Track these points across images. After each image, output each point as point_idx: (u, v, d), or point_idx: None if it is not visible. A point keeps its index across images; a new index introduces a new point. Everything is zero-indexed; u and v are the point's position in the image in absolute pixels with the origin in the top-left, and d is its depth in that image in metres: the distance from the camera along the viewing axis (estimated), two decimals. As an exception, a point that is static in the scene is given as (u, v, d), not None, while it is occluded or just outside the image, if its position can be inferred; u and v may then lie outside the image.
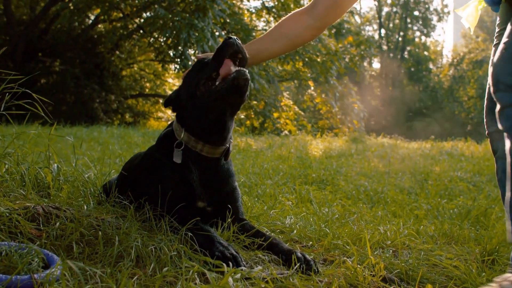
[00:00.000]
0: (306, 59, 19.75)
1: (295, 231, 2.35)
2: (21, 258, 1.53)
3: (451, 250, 2.47)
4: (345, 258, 1.96)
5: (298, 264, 1.81)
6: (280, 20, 2.37)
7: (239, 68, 1.95)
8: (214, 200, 2.12)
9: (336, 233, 2.39)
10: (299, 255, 1.86)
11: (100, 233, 1.70)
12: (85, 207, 1.95)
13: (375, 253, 2.20)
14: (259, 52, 2.32)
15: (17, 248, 1.59)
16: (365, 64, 25.13)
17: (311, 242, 2.27)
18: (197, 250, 1.81)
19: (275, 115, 20.30)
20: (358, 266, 1.82)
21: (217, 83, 1.97)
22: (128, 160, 2.56)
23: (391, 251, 2.29)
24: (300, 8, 2.35)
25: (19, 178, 2.24)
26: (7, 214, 1.71)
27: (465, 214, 3.73)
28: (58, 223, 1.76)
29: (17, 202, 1.90)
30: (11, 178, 2.19)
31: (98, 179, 2.63)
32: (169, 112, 24.79)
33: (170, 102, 2.24)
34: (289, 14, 2.36)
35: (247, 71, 1.95)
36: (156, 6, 16.06)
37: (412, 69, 43.08)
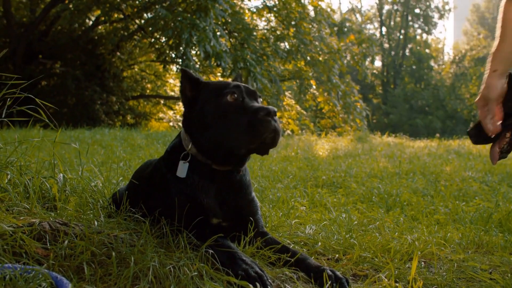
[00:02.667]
0: (308, 58, 19.60)
1: (319, 243, 2.19)
2: (27, 283, 1.38)
3: (483, 260, 2.32)
4: (379, 274, 1.81)
5: (329, 283, 1.65)
6: (501, 14, 2.25)
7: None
8: (229, 214, 1.97)
9: (363, 244, 2.23)
10: (330, 272, 1.71)
11: (113, 252, 1.55)
12: (95, 222, 1.79)
13: (407, 266, 2.05)
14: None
15: (22, 272, 1.44)
16: (367, 62, 24.91)
17: (337, 255, 2.11)
18: (219, 269, 1.66)
19: (278, 114, 20.11)
20: (396, 284, 1.66)
21: None
22: (138, 168, 2.39)
23: (422, 263, 2.14)
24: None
25: (23, 189, 2.08)
26: (11, 233, 1.56)
27: (487, 218, 3.57)
28: (66, 241, 1.60)
29: (21, 218, 1.75)
30: (14, 190, 2.04)
31: (107, 188, 2.48)
32: (170, 113, 24.68)
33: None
34: (502, 5, 2.24)
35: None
36: (157, 6, 15.88)
37: (414, 67, 42.86)
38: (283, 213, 2.98)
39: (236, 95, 1.90)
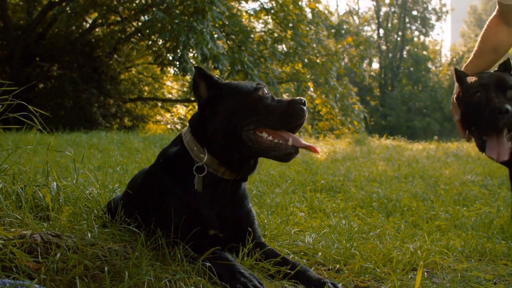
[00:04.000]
0: (306, 60, 19.57)
1: (319, 253, 2.14)
2: (16, 300, 1.33)
3: (487, 270, 2.27)
4: (382, 286, 1.76)
5: (331, 297, 1.60)
6: (480, 37, 2.54)
7: (296, 146, 1.88)
8: (227, 225, 1.92)
9: (364, 254, 2.18)
10: (331, 286, 1.66)
11: (106, 267, 1.49)
12: (89, 233, 1.74)
13: (409, 276, 1.99)
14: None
15: (12, 287, 1.38)
16: (365, 64, 24.93)
17: (338, 265, 2.06)
18: (217, 283, 1.60)
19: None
20: (399, 298, 1.61)
21: (266, 136, 1.88)
22: (133, 177, 2.33)
23: (425, 273, 2.09)
24: (490, 19, 2.52)
25: (15, 198, 2.02)
26: (1, 246, 1.50)
27: (488, 224, 3.53)
28: (58, 254, 1.55)
29: (12, 229, 1.69)
30: (6, 199, 1.98)
31: (102, 197, 2.42)
32: (168, 115, 24.61)
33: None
34: (485, 28, 2.52)
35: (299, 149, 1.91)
36: (154, 9, 15.83)
37: (411, 69, 42.87)
38: (282, 220, 2.93)
39: (266, 90, 1.94)
